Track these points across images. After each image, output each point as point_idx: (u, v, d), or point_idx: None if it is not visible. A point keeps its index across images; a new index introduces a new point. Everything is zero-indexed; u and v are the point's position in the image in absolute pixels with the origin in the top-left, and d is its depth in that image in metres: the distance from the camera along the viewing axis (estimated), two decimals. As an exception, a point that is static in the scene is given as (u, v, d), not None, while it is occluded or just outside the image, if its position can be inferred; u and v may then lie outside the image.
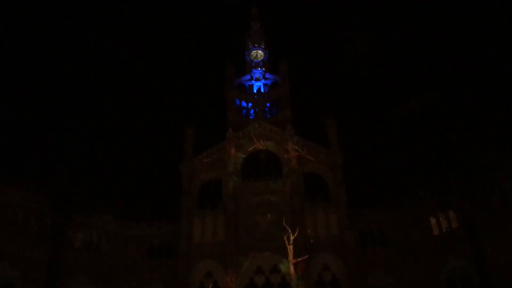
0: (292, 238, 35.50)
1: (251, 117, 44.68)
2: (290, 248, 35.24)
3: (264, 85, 47.21)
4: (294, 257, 35.01)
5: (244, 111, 45.55)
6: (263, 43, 49.66)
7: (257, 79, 47.41)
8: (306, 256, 35.08)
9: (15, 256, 33.34)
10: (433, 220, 37.13)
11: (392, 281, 36.93)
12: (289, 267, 35.09)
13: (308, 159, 40.43)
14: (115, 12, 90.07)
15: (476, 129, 27.24)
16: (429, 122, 27.62)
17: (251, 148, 41.14)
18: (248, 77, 47.64)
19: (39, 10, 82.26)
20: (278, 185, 38.15)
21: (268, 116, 44.49)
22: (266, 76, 47.49)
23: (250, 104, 45.79)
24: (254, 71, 47.80)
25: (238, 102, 45.46)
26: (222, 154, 41.00)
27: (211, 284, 36.14)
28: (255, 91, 46.81)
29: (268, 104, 45.45)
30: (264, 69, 48.02)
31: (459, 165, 26.75)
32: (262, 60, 48.75)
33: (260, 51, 49.10)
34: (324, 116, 42.49)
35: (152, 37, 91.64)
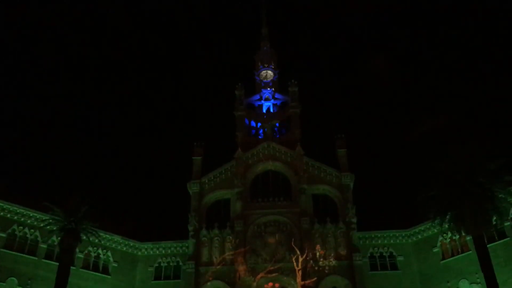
0: (300, 259, 35.13)
1: (260, 137, 44.55)
2: (299, 270, 34.84)
3: (274, 105, 47.21)
4: (303, 279, 34.56)
5: (253, 131, 45.48)
6: (272, 63, 49.81)
7: (266, 99, 47.45)
8: (315, 279, 34.66)
9: (23, 274, 33.47)
10: (444, 244, 36.57)
11: (403, 306, 36.27)
12: (297, 289, 34.64)
13: (317, 180, 40.17)
14: (126, 33, 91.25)
15: (489, 151, 26.80)
16: (443, 144, 27.36)
17: (260, 168, 41.00)
18: (257, 97, 47.71)
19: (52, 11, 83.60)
20: (287, 206, 37.78)
21: (278, 136, 44.33)
22: (276, 96, 47.52)
23: (259, 124, 45.72)
24: (264, 91, 47.89)
25: (247, 122, 45.45)
26: (231, 174, 40.87)
27: (218, 306, 35.75)
28: (264, 111, 46.80)
29: (277, 124, 45.34)
30: (273, 89, 48.06)
31: (472, 188, 26.25)
32: (272, 80, 48.83)
33: (269, 71, 49.23)
34: (334, 136, 42.35)
35: (162, 57, 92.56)
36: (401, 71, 78.81)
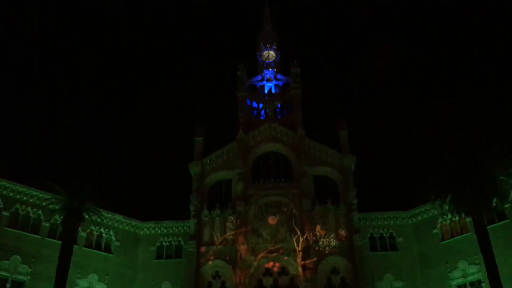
0: (301, 240, 35.45)
1: (261, 118, 44.51)
2: (299, 250, 35.16)
3: (276, 86, 47.01)
4: (303, 260, 34.92)
5: (255, 111, 45.39)
6: (275, 44, 49.49)
7: (268, 80, 47.24)
8: (315, 259, 34.99)
9: (26, 252, 33.83)
10: (444, 225, 36.85)
11: (402, 286, 36.66)
12: (297, 269, 34.99)
13: (318, 162, 40.27)
14: (128, 11, 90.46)
15: (492, 135, 26.75)
16: (445, 127, 27.29)
17: (261, 150, 41.08)
18: (259, 77, 47.50)
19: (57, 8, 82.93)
20: (288, 187, 37.91)
21: (279, 117, 44.28)
22: (278, 77, 47.29)
23: (261, 105, 45.61)
24: (266, 71, 47.65)
25: (249, 103, 45.34)
26: (232, 155, 40.95)
27: (219, 285, 36.14)
28: (266, 92, 46.65)
29: (279, 105, 45.22)
30: (275, 70, 47.84)
31: (473, 171, 26.30)
32: (274, 61, 48.56)
33: (272, 52, 48.93)
34: (336, 118, 42.35)
35: (164, 37, 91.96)
36: (405, 54, 78.29)
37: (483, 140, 26.52)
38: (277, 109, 44.98)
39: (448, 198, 27.83)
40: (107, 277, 37.04)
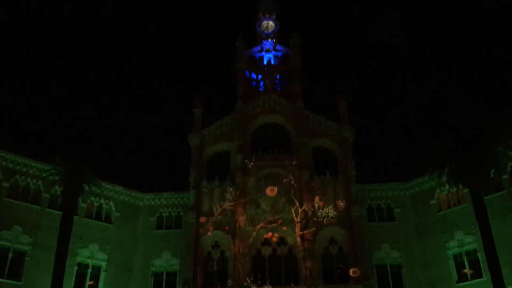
0: (300, 211, 35.78)
1: (260, 89, 44.25)
2: (298, 220, 35.53)
3: (275, 57, 46.52)
4: (302, 230, 35.32)
5: (254, 83, 45.08)
6: (274, 14, 48.76)
7: (267, 51, 46.73)
8: (313, 229, 35.39)
9: (27, 223, 34.13)
10: (442, 196, 37.18)
11: (398, 256, 37.25)
12: (296, 239, 35.43)
13: (317, 133, 40.30)
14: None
15: (492, 106, 26.69)
16: (444, 98, 27.18)
17: (260, 121, 41.03)
18: (258, 48, 46.97)
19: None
20: (287, 159, 38.00)
21: (278, 88, 44.01)
22: (277, 48, 46.73)
23: (260, 76, 45.25)
24: (265, 42, 47.07)
25: (248, 74, 44.98)
26: (231, 126, 40.91)
27: (218, 254, 36.64)
28: (265, 63, 46.20)
29: (278, 77, 44.85)
30: (274, 40, 47.23)
31: (472, 142, 26.34)
32: (273, 31, 47.90)
33: (271, 22, 48.23)
34: (335, 89, 42.20)
35: (163, 8, 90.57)
36: (406, 25, 77.34)
37: (483, 111, 26.49)
38: (276, 81, 44.63)
39: (446, 169, 28.01)
40: (108, 247, 37.54)
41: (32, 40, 75.33)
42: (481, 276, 32.77)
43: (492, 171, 28.54)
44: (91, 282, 36.43)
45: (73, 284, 34.86)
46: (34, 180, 35.63)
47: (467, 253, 34.58)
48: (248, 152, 39.00)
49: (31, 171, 35.66)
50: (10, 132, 36.26)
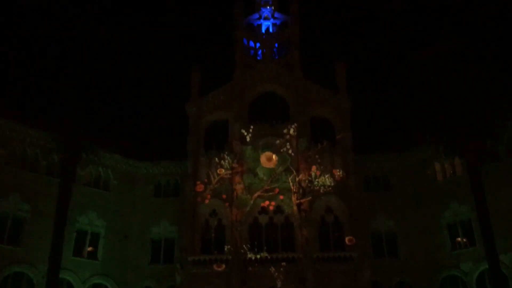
0: (297, 180, 35.96)
1: (258, 58, 43.81)
2: (294, 190, 35.77)
3: (273, 24, 45.84)
4: (298, 199, 35.61)
5: (252, 51, 44.56)
6: (273, -20, 47.79)
7: (265, 18, 46.00)
8: (310, 198, 35.65)
9: (25, 190, 34.28)
10: (438, 166, 37.42)
11: (393, 225, 37.78)
12: (292, 208, 35.76)
13: (316, 103, 40.15)
14: None
15: (488, 77, 26.50)
16: (440, 69, 27.03)
17: (258, 90, 40.78)
18: (256, 16, 46.22)
19: None
20: (284, 128, 37.88)
21: (276, 57, 43.57)
22: (275, 15, 45.99)
23: (258, 44, 44.71)
24: (263, 9, 46.29)
25: (246, 42, 44.38)
26: (229, 95, 40.70)
27: (216, 222, 37.04)
28: (263, 31, 45.55)
29: (276, 45, 44.30)
30: (273, 7, 46.44)
31: (468, 112, 26.31)
32: (272, -2, 47.03)
33: (270, -12, 47.31)
34: (334, 59, 41.76)
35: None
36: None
37: (481, 82, 26.34)
38: (275, 49, 44.10)
39: (442, 140, 28.08)
40: (106, 214, 37.94)
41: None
42: (474, 245, 33.35)
43: (488, 141, 28.67)
44: (90, 248, 36.97)
45: (72, 250, 35.36)
46: (32, 148, 35.55)
47: (462, 223, 35.06)
48: (246, 121, 38.87)
49: (28, 139, 35.51)
50: (5, 98, 35.78)
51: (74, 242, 35.80)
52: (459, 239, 35.14)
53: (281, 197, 36.04)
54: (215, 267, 34.49)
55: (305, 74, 40.98)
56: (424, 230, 36.81)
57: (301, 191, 35.86)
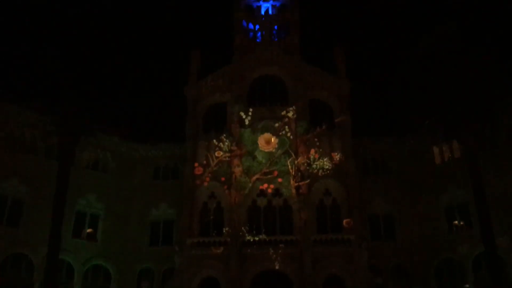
0: (295, 163, 36.02)
1: (258, 40, 43.44)
2: (293, 172, 35.85)
3: (273, 6, 45.34)
4: (297, 182, 35.70)
5: (251, 33, 44.15)
6: (273, -40, 47.17)
7: (265, 0, 45.56)
8: (308, 181, 35.74)
9: (24, 173, 34.33)
10: (436, 150, 37.48)
11: (391, 208, 38.01)
12: (291, 191, 35.88)
13: (315, 86, 39.99)
14: None
15: (487, 61, 26.36)
16: (440, 53, 26.86)
17: (257, 73, 40.56)
18: (256, -3, 45.75)
19: None
20: (283, 111, 37.79)
21: (276, 39, 43.22)
22: (275, -3, 45.53)
23: (257, 27, 44.26)
24: (263, -10, 45.81)
25: (245, 24, 43.94)
26: (228, 77, 40.48)
27: (214, 205, 37.22)
28: (262, 12, 45.07)
29: (276, 27, 43.89)
30: (272, -12, 45.94)
31: (468, 97, 26.27)
32: (272, -21, 46.48)
33: (269, -31, 46.72)
34: (333, 42, 41.54)
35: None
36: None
37: (480, 66, 26.22)
38: (274, 31, 43.72)
39: (442, 125, 28.08)
40: (105, 196, 38.08)
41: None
42: (471, 228, 33.58)
43: (488, 126, 28.69)
44: (90, 230, 37.19)
45: (71, 232, 35.57)
46: (30, 130, 35.43)
47: (459, 206, 35.26)
48: (245, 104, 38.73)
49: (26, 121, 35.35)
50: (3, 80, 35.61)
51: (73, 224, 36.01)
52: (456, 222, 35.38)
53: (280, 179, 36.09)
54: (213, 249, 34.75)
55: (304, 57, 40.80)
56: (422, 214, 37.06)
57: (299, 174, 35.95)
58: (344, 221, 34.99)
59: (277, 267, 33.90)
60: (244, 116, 36.96)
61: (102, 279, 37.32)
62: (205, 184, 36.84)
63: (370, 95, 50.36)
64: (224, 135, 37.60)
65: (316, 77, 40.22)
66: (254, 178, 36.23)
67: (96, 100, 31.31)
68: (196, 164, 37.14)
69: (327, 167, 35.62)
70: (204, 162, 37.35)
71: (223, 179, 36.67)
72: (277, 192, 36.74)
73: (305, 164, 36.01)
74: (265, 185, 36.33)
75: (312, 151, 36.30)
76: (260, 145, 36.28)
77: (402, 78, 29.77)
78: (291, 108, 36.99)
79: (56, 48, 32.47)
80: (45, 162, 35.26)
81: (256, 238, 34.49)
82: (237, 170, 36.46)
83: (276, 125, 37.11)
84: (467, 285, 33.75)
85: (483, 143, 32.37)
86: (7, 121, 34.73)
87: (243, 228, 34.87)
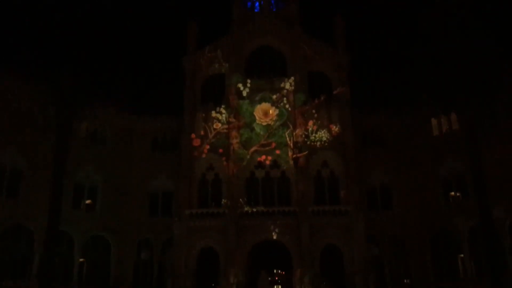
0: (293, 135, 35.97)
1: (256, 10, 42.75)
2: (291, 144, 35.84)
3: (271, -24, 44.51)
4: (295, 153, 35.72)
5: (249, 3, 43.40)
6: None
7: (263, -31, 44.59)
8: (306, 152, 35.77)
9: (22, 144, 34.30)
10: (434, 121, 37.44)
11: (389, 180, 38.20)
12: (289, 162, 35.95)
13: (313, 58, 39.57)
14: None
15: (489, 35, 26.09)
16: (439, 26, 26.55)
17: (255, 44, 40.08)
18: (254, -34, 44.84)
19: None
20: (281, 83, 37.51)
21: (274, 9, 42.54)
22: (274, -34, 44.62)
23: (255, -4, 43.55)
24: (261, -41, 44.83)
25: (243, -6, 43.20)
26: (226, 48, 39.95)
27: (213, 177, 37.35)
28: (261, -18, 44.25)
29: (274, -3, 43.17)
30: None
31: (468, 70, 26.09)
32: None
33: None
34: (332, 13, 40.84)
35: None
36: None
37: (480, 40, 25.94)
38: (272, 1, 43.03)
39: (440, 97, 27.95)
40: (103, 168, 38.14)
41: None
42: (467, 200, 33.78)
43: (486, 99, 28.55)
44: (89, 201, 37.39)
45: (71, 204, 35.74)
46: (27, 103, 35.12)
47: (456, 177, 35.41)
48: (243, 75, 38.37)
49: (23, 94, 35.03)
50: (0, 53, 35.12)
51: (72, 195, 36.13)
52: (452, 193, 35.58)
53: (278, 151, 36.07)
54: (212, 220, 35.03)
55: (303, 28, 40.22)
56: (419, 185, 37.29)
57: (298, 145, 35.95)
58: (342, 192, 35.39)
59: (274, 238, 34.27)
60: (242, 88, 36.70)
61: (102, 249, 37.76)
62: (203, 156, 36.84)
63: (369, 67, 49.99)
64: (222, 106, 37.41)
65: (315, 48, 39.74)
66: (252, 149, 36.24)
67: (94, 72, 31.03)
68: (193, 136, 37.07)
69: (325, 139, 35.60)
70: (202, 133, 37.28)
71: (221, 150, 36.66)
72: (275, 164, 36.85)
73: (303, 136, 35.97)
74: (263, 157, 36.38)
75: (310, 122, 36.22)
76: (257, 117, 36.15)
77: (402, 51, 29.53)
78: (289, 80, 36.67)
79: (53, 20, 31.95)
80: (43, 133, 35.02)
81: (254, 210, 34.76)
82: (235, 142, 36.40)
83: (274, 97, 36.86)
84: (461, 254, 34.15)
85: (481, 116, 32.35)
86: (5, 93, 34.43)
87: (241, 199, 35.09)
